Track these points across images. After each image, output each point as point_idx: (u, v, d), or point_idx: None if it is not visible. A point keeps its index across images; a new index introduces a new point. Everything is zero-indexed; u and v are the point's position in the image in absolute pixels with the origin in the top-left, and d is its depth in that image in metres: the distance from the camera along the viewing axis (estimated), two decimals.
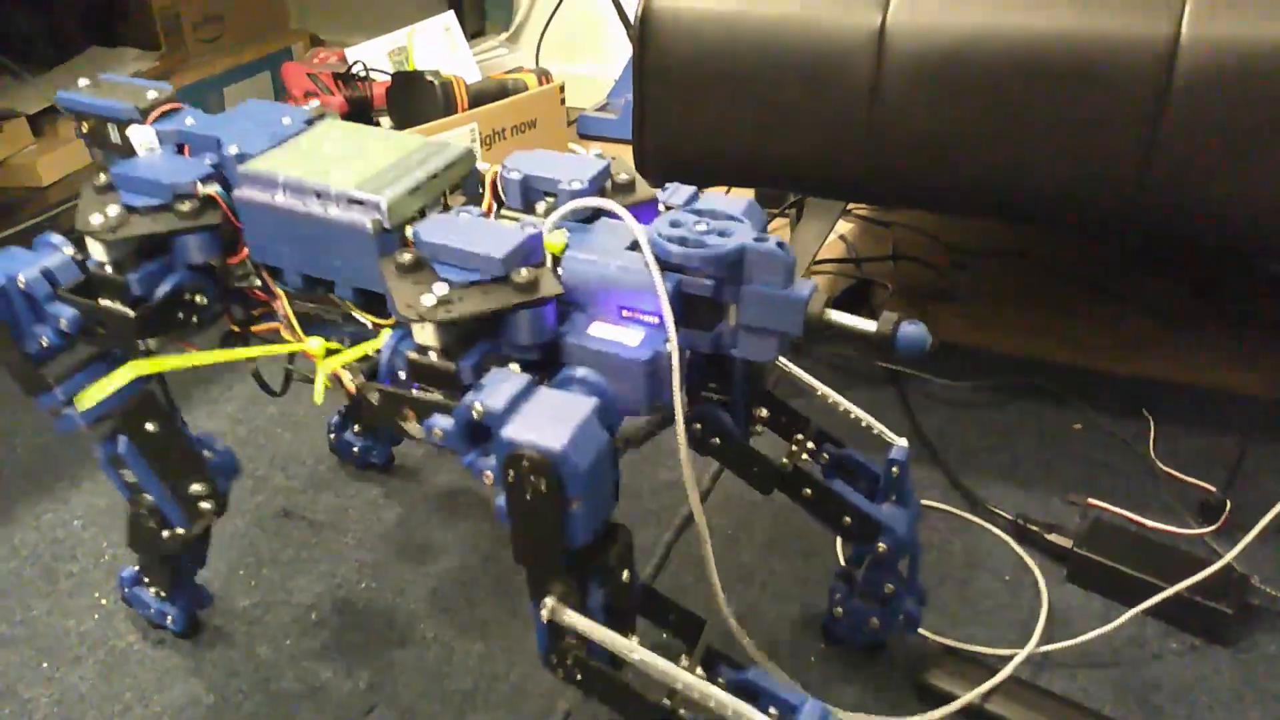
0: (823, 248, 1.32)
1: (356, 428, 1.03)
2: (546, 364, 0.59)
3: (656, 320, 0.58)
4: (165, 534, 0.77)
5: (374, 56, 1.71)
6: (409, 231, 0.61)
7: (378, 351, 0.62)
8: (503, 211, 0.67)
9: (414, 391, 0.60)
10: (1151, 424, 1.05)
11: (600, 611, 0.57)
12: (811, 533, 0.93)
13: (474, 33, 2.09)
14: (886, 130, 0.90)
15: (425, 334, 0.57)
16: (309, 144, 0.67)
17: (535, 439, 0.51)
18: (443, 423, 0.57)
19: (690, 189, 0.65)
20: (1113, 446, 1.04)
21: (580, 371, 0.58)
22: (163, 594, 0.84)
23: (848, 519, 0.73)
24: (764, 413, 0.74)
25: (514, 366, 0.57)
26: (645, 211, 0.63)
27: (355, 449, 1.04)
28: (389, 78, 1.61)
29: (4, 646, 0.86)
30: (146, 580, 0.84)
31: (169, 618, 0.84)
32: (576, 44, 2.15)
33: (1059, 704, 0.75)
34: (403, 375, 0.60)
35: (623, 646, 0.55)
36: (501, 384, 0.54)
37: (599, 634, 0.56)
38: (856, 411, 0.76)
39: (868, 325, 0.60)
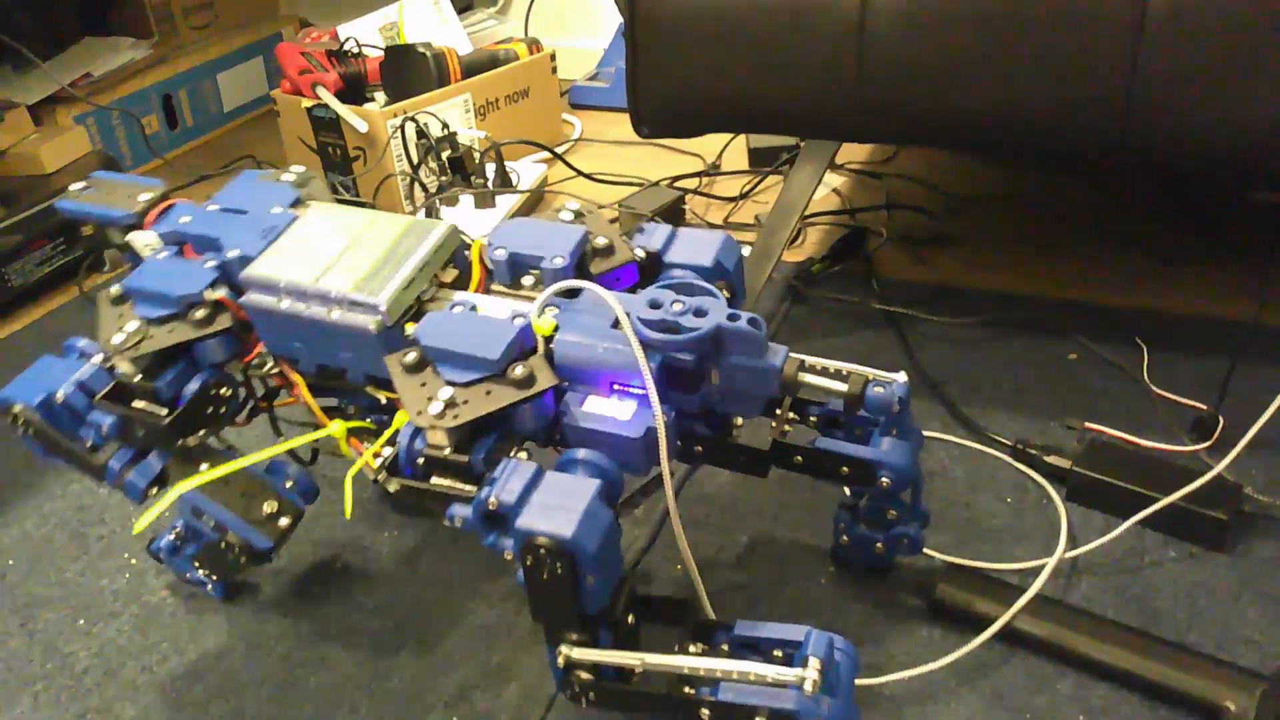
0: (816, 201, 1.34)
1: None
2: (550, 435, 0.66)
3: (645, 392, 0.63)
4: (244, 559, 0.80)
5: (365, 33, 1.73)
6: (409, 330, 0.67)
7: (393, 440, 0.67)
8: (492, 286, 0.72)
9: (434, 480, 0.65)
10: (1145, 351, 1.08)
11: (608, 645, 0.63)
12: None
13: (463, 6, 2.11)
14: (874, 67, 0.92)
15: (437, 437, 0.63)
16: (302, 239, 0.72)
17: (547, 528, 0.56)
18: (462, 511, 0.63)
19: (667, 229, 0.71)
20: (1108, 374, 1.06)
21: (581, 453, 0.63)
22: (214, 578, 0.86)
23: (844, 468, 0.75)
24: (739, 420, 0.77)
25: (521, 455, 0.63)
26: (626, 272, 0.69)
27: None
28: (382, 53, 1.63)
29: (42, 606, 0.89)
30: (197, 564, 0.85)
31: (209, 586, 0.87)
32: (564, 16, 2.17)
33: (1053, 607, 0.78)
34: (421, 462, 0.65)
35: (631, 660, 0.61)
36: (512, 476, 0.60)
37: (611, 658, 0.61)
38: (848, 367, 0.78)
39: (838, 385, 0.67)
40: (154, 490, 0.76)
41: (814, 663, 0.58)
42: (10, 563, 0.94)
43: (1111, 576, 0.83)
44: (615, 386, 0.65)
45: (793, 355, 0.66)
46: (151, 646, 0.84)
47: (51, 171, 1.50)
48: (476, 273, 0.73)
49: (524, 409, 0.63)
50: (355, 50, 1.63)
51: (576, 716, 0.75)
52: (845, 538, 0.83)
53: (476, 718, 0.76)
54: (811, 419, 0.79)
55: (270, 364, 0.74)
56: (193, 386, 0.73)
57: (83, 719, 0.79)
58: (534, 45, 1.75)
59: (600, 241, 0.72)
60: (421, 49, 1.57)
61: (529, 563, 0.57)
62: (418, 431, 0.65)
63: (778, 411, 0.79)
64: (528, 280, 0.72)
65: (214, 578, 0.86)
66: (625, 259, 0.71)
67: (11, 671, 0.83)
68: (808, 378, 0.66)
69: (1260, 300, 0.97)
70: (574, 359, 0.65)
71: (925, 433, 0.98)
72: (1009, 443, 0.96)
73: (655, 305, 0.65)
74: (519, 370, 0.63)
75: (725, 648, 0.64)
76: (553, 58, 1.77)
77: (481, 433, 0.64)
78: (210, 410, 0.74)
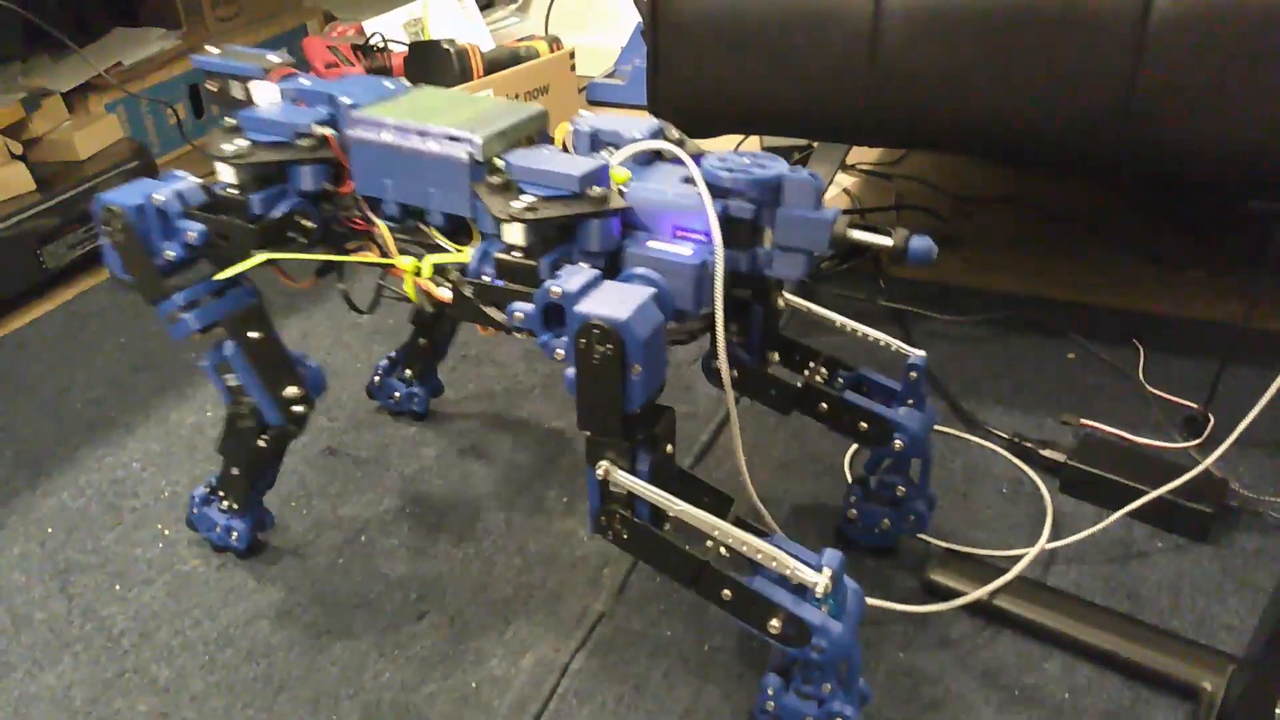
0: (827, 200, 1.38)
1: (409, 373, 1.09)
2: (610, 276, 0.68)
3: (705, 238, 0.68)
4: (260, 442, 0.87)
5: (390, 28, 1.77)
6: (498, 162, 0.72)
7: (461, 265, 0.73)
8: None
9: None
10: (1141, 352, 1.12)
11: (648, 477, 0.66)
12: (822, 455, 1.00)
13: (485, 3, 2.15)
14: (886, 73, 0.96)
15: (514, 233, 0.68)
16: (409, 100, 0.79)
17: (603, 311, 0.61)
18: (524, 307, 0.67)
19: (731, 151, 0.74)
20: (1105, 373, 1.10)
21: (640, 270, 0.68)
22: (235, 507, 0.91)
23: (863, 424, 0.81)
24: (776, 356, 0.83)
25: (583, 265, 0.67)
26: (694, 161, 0.72)
27: (397, 394, 1.10)
28: (406, 48, 1.67)
29: (80, 572, 0.94)
30: (221, 494, 0.91)
31: (234, 534, 0.91)
32: (583, 14, 2.21)
33: (1043, 592, 0.83)
34: (486, 279, 0.72)
35: (666, 500, 0.65)
36: (575, 274, 0.65)
37: (645, 491, 0.65)
38: (874, 334, 0.83)
39: (884, 240, 0.70)
40: (198, 336, 0.82)
41: (827, 571, 0.63)
42: (49, 531, 0.99)
43: (1101, 565, 0.87)
44: (678, 233, 0.69)
45: (843, 215, 0.70)
46: (184, 612, 0.89)
47: (84, 158, 1.54)
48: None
49: (593, 227, 0.68)
50: (380, 45, 1.68)
51: (590, 683, 0.79)
52: (854, 511, 0.87)
53: (494, 683, 0.80)
54: (839, 380, 0.84)
55: (354, 209, 0.80)
56: (282, 207, 0.79)
57: (120, 678, 0.83)
58: (554, 43, 1.79)
59: (674, 134, 0.77)
60: (445, 45, 1.61)
61: (582, 345, 0.62)
62: (485, 253, 0.71)
63: (811, 364, 0.84)
64: (605, 155, 0.76)
65: (234, 507, 0.91)
66: (695, 150, 0.75)
67: (53, 632, 0.87)
68: (854, 233, 0.69)
69: (1250, 304, 1.01)
70: (644, 201, 0.70)
71: None
72: (1006, 437, 1.00)
73: (724, 160, 0.70)
74: (596, 190, 0.68)
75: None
76: (572, 55, 1.81)
77: (551, 246, 0.69)
78: (291, 236, 0.80)
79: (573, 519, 0.96)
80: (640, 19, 1.07)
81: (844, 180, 1.58)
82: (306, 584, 0.91)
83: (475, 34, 1.85)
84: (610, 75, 2.05)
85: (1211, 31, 0.88)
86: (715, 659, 0.80)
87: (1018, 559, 0.87)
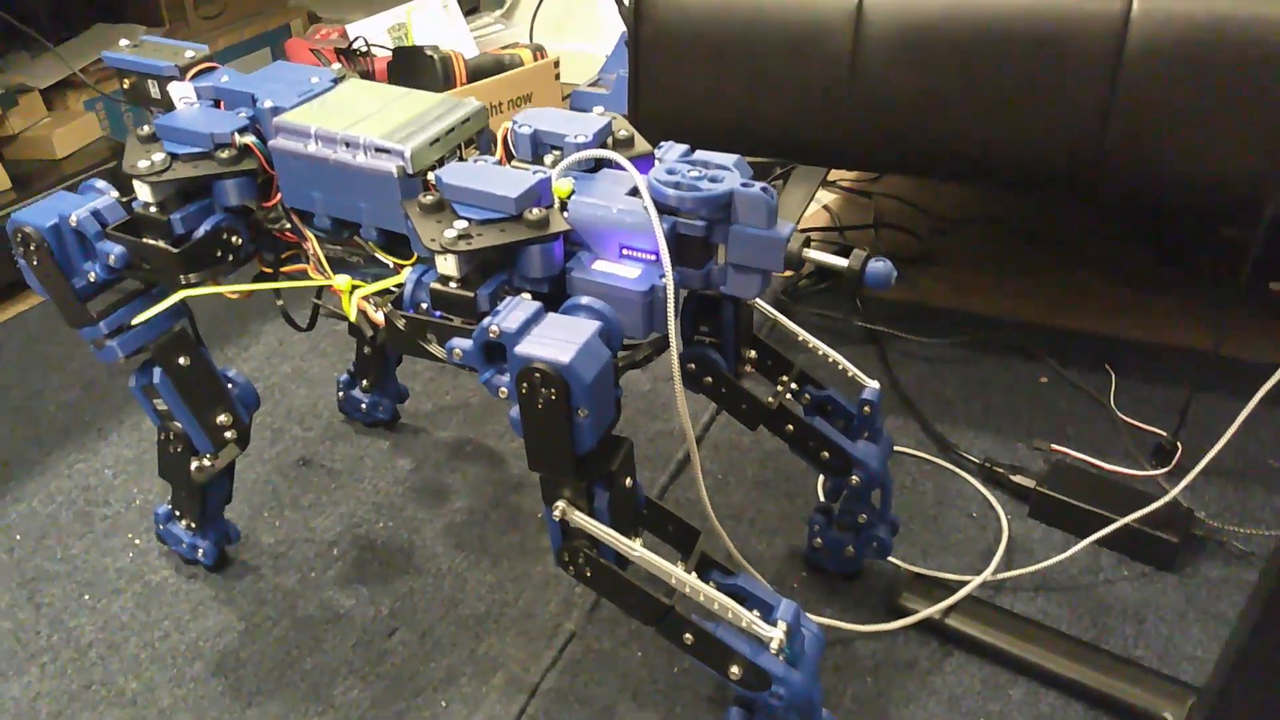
0: (807, 217, 1.39)
1: (365, 383, 1.09)
2: (554, 299, 0.65)
3: (653, 257, 0.64)
4: (194, 465, 0.84)
5: (374, 33, 1.76)
6: (430, 177, 0.68)
7: (399, 286, 0.69)
8: (513, 163, 0.73)
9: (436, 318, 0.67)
10: (1113, 377, 1.13)
11: (606, 514, 0.64)
12: (795, 475, 1.01)
13: (470, 10, 2.14)
14: (864, 98, 0.97)
15: (447, 265, 0.64)
16: (336, 100, 0.74)
17: (545, 354, 0.57)
18: (462, 344, 0.64)
19: (684, 146, 0.71)
20: (1077, 398, 1.11)
21: (585, 299, 0.64)
22: (193, 526, 0.90)
23: (825, 453, 0.81)
24: (752, 354, 0.81)
25: (525, 296, 0.64)
26: (643, 164, 0.69)
27: (363, 406, 1.10)
28: (390, 53, 1.67)
29: (49, 581, 0.93)
30: (178, 514, 0.90)
31: (200, 551, 0.91)
32: (568, 21, 2.21)
33: (1010, 619, 0.84)
34: (424, 307, 0.68)
35: (624, 545, 0.63)
36: (515, 309, 0.61)
37: (603, 534, 0.63)
38: (834, 355, 0.83)
39: (840, 261, 0.67)
40: (125, 360, 0.79)
41: (782, 625, 0.62)
42: (17, 538, 0.98)
43: (1068, 592, 0.88)
44: (624, 252, 0.65)
45: (799, 231, 0.65)
46: (154, 623, 0.88)
47: (62, 157, 1.53)
48: (499, 153, 0.74)
49: (533, 254, 0.64)
50: (364, 49, 1.67)
51: (559, 703, 0.80)
52: (819, 540, 0.88)
53: (464, 700, 0.80)
54: (806, 396, 0.83)
55: (284, 222, 0.76)
56: (206, 226, 0.75)
57: (88, 690, 0.83)
58: (539, 51, 1.79)
59: (622, 133, 0.73)
60: (429, 52, 1.61)
61: (524, 390, 0.58)
62: (424, 273, 0.67)
63: (783, 378, 0.82)
64: (549, 159, 0.72)
65: (191, 527, 0.90)
66: (644, 150, 0.72)
67: (20, 643, 0.87)
68: (811, 253, 0.65)
69: (1220, 331, 1.02)
70: (588, 218, 0.66)
71: (898, 448, 1.03)
72: (977, 461, 1.01)
73: (672, 173, 0.65)
74: (534, 213, 0.63)
75: (713, 584, 0.67)
76: (556, 63, 1.81)
77: (490, 274, 0.65)
78: (219, 254, 0.75)
79: (547, 535, 0.96)
80: (626, 29, 1.07)
81: (824, 197, 1.59)
82: (277, 597, 0.90)
83: (459, 41, 1.85)
84: (594, 84, 2.05)
85: (1185, 61, 0.90)
86: (683, 682, 0.81)
87: (986, 583, 0.88)
